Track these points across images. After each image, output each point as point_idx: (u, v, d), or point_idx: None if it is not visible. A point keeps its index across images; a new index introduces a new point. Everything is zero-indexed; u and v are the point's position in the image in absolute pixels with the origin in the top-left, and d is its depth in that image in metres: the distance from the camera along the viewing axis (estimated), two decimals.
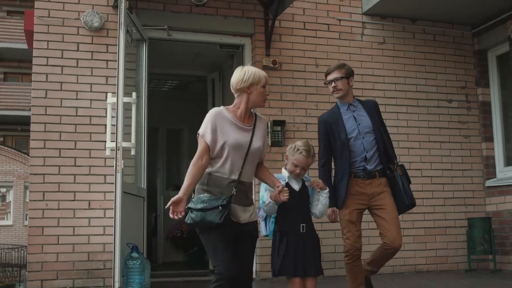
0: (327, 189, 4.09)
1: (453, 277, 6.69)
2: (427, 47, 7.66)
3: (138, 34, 6.43)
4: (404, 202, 4.56)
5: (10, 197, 25.72)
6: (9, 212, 25.46)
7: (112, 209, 5.34)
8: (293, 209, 4.00)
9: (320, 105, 6.93)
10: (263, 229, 4.15)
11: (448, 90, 7.63)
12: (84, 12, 6.38)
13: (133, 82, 6.41)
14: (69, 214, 6.08)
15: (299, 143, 4.05)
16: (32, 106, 6.21)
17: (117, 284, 5.20)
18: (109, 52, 6.37)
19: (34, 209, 6.10)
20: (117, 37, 5.62)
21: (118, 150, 5.32)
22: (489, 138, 7.64)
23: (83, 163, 6.19)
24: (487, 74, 7.76)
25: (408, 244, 6.99)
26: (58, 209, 6.06)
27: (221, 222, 3.50)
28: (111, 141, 5.57)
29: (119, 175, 5.27)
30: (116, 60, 5.63)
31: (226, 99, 7.84)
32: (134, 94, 5.80)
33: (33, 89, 6.24)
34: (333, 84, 4.61)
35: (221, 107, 3.76)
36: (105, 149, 5.76)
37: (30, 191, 6.18)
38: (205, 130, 3.64)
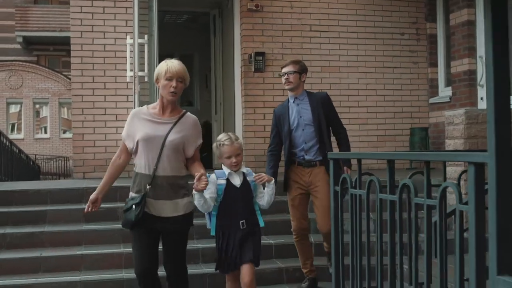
0: (273, 180, 4.24)
1: (397, 172, 8.71)
2: None
3: None
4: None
5: (44, 113, 28.00)
6: (45, 126, 27.84)
7: None
8: (233, 204, 4.10)
9: (294, 39, 8.82)
10: (207, 223, 4.24)
11: (401, 25, 9.41)
12: None
13: (147, 24, 8.35)
14: (102, 125, 8.21)
15: (219, 137, 4.22)
16: (72, 44, 8.24)
17: None
18: (127, 1, 8.29)
19: (76, 121, 8.25)
20: None
21: (136, 77, 7.36)
22: (434, 64, 9.46)
23: (111, 86, 8.26)
24: (435, 11, 9.48)
25: (364, 148, 9.01)
26: (94, 121, 8.19)
27: (134, 221, 3.70)
28: (130, 70, 7.59)
29: (136, 96, 7.33)
30: (132, 8, 7.61)
31: (224, 31, 9.75)
32: (146, 36, 7.75)
33: (71, 31, 8.24)
34: (285, 76, 5.04)
35: (144, 106, 4.00)
36: (126, 77, 7.80)
37: (73, 108, 8.32)
38: (124, 131, 3.90)
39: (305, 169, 4.98)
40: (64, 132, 27.66)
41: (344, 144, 5.14)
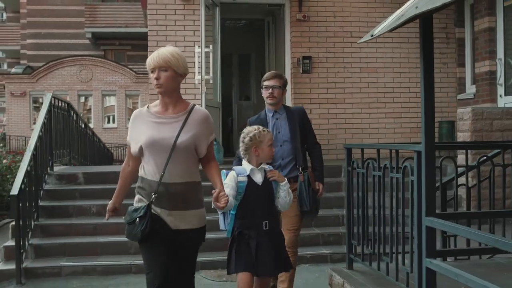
0: (285, 181, 3.96)
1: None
2: None
3: (212, 1, 9.86)
4: (303, 208, 4.79)
5: (107, 103, 30.09)
6: (113, 115, 29.93)
7: None
8: (255, 204, 3.80)
9: (336, 44, 10.23)
10: (221, 223, 3.96)
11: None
12: None
13: (211, 34, 9.91)
14: None
15: (251, 128, 3.95)
16: (149, 52, 9.86)
17: None
18: (195, 15, 9.85)
19: None
20: (200, 4, 9.14)
21: (202, 80, 8.94)
22: (462, 65, 10.69)
23: (181, 86, 9.80)
24: (463, 18, 10.69)
25: (398, 139, 10.34)
26: None
27: (141, 237, 3.32)
28: (198, 73, 9.17)
29: (203, 95, 8.91)
30: (199, 20, 9.19)
31: (277, 36, 11.24)
32: (211, 45, 9.31)
33: (149, 41, 9.87)
34: (270, 90, 4.87)
35: (145, 106, 3.59)
36: (194, 79, 9.37)
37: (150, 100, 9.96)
38: (128, 136, 3.55)
39: None
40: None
41: (318, 158, 5.04)
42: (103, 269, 6.32)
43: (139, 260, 6.11)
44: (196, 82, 9.21)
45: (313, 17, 10.27)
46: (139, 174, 3.49)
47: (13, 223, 6.39)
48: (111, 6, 32.58)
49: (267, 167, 3.94)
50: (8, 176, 10.45)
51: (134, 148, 3.46)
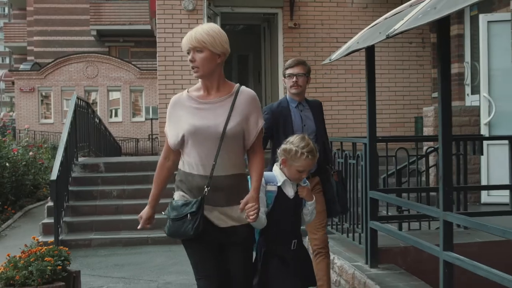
0: (313, 200, 3.48)
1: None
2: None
3: (213, 11, 11.15)
4: (336, 208, 4.54)
5: (112, 97, 31.40)
6: (118, 109, 31.21)
7: None
8: (284, 218, 3.36)
9: (324, 48, 11.53)
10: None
11: (410, 35, 11.92)
12: (183, 0, 11.16)
13: None
14: None
15: (297, 141, 3.39)
16: (158, 56, 11.19)
17: None
18: (198, 23, 11.10)
19: (162, 113, 11.22)
20: (203, 15, 10.46)
21: None
22: (436, 66, 11.98)
23: (186, 87, 11.01)
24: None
25: (379, 133, 11.60)
26: None
27: (193, 235, 2.98)
28: None
29: None
30: None
31: (271, 40, 12.54)
32: None
33: (157, 47, 11.18)
34: (294, 79, 4.48)
35: (184, 91, 3.29)
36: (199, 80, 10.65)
37: (159, 103, 11.30)
38: (166, 125, 3.20)
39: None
40: (133, 116, 31.10)
41: (329, 154, 4.87)
42: (126, 241, 7.67)
43: (154, 234, 7.53)
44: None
45: (303, 24, 11.56)
46: (179, 167, 3.15)
47: (48, 204, 7.76)
48: (115, 4, 33.83)
49: (302, 182, 3.45)
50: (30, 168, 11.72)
51: (173, 139, 3.08)
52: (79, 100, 9.93)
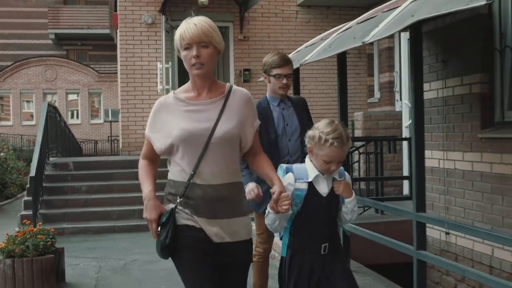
0: (352, 196, 3.03)
1: None
2: (335, 23, 13.30)
3: (170, 25, 12.34)
4: None
5: (69, 98, 32.12)
6: (77, 110, 31.93)
7: None
8: (314, 219, 2.96)
9: None
10: (276, 235, 3.23)
11: None
12: (143, 14, 12.31)
13: (170, 51, 12.39)
14: (140, 119, 12.31)
15: (322, 126, 2.93)
16: (120, 65, 12.32)
17: None
18: (157, 36, 12.32)
19: (124, 117, 12.37)
20: (161, 28, 11.66)
21: (164, 89, 11.44)
22: (371, 75, 13.44)
23: (146, 93, 12.35)
24: None
25: None
26: (135, 117, 12.30)
27: (161, 250, 2.66)
28: (160, 83, 11.66)
29: None
30: (161, 40, 11.68)
31: (224, 50, 13.75)
32: (170, 62, 11.79)
33: (119, 57, 12.31)
34: (284, 81, 4.08)
35: (169, 93, 2.88)
36: (157, 88, 11.82)
37: (121, 108, 12.42)
38: (147, 130, 2.84)
39: None
40: (92, 118, 31.92)
41: None
42: (95, 229, 8.79)
43: (120, 223, 8.73)
44: (159, 91, 11.71)
45: (251, 37, 12.86)
46: (169, 177, 2.81)
47: (25, 198, 8.89)
48: (73, 8, 34.45)
49: (337, 175, 3.02)
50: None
51: (160, 145, 2.76)
52: (49, 106, 10.99)
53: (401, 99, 11.95)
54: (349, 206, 3.02)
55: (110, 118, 26.72)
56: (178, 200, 2.69)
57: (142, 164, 2.89)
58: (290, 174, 2.97)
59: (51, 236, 5.74)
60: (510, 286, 3.45)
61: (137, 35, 12.36)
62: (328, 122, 2.94)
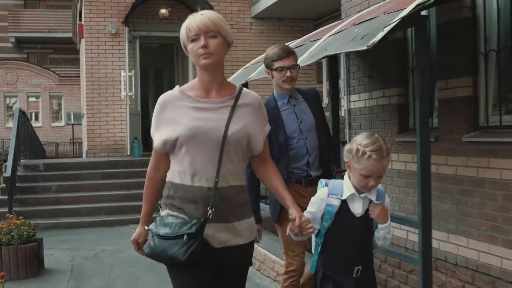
0: (388, 222, 2.85)
1: None
2: (287, 34, 14.38)
3: (133, 35, 13.22)
4: None
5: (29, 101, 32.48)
6: (37, 112, 32.26)
7: (125, 121, 12.48)
8: (346, 240, 2.83)
9: (227, 67, 13.67)
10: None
11: None
12: (107, 25, 13.16)
13: (133, 60, 13.27)
14: (105, 123, 13.15)
15: (361, 139, 2.78)
16: (86, 72, 13.14)
17: (128, 152, 12.45)
18: (120, 45, 13.18)
19: (89, 121, 13.19)
20: (124, 38, 12.54)
21: (127, 95, 12.33)
22: (320, 81, 14.53)
23: (110, 99, 13.20)
24: None
25: None
26: (100, 121, 13.13)
27: (185, 260, 2.48)
28: (123, 90, 12.54)
29: (128, 106, 12.31)
30: (124, 50, 12.57)
31: (183, 57, 14.68)
32: (133, 71, 12.68)
33: (85, 65, 13.13)
34: (287, 73, 3.75)
35: (174, 88, 2.68)
36: (121, 94, 12.69)
37: (87, 112, 13.25)
38: (153, 129, 2.66)
39: (306, 188, 3.81)
40: (53, 121, 32.36)
41: (334, 150, 4.39)
42: (66, 225, 9.66)
43: (89, 219, 9.62)
44: (122, 97, 12.59)
45: None
46: (167, 179, 2.69)
47: None
48: (34, 11, 34.68)
49: (375, 197, 2.86)
50: None
51: (163, 142, 2.61)
52: (20, 112, 11.79)
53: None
54: (382, 232, 2.84)
55: (72, 121, 27.22)
56: (210, 211, 2.52)
57: (148, 177, 2.76)
58: (325, 188, 2.86)
59: (32, 228, 6.62)
60: (415, 258, 4.37)
61: (102, 45, 13.20)
62: (367, 135, 2.79)
